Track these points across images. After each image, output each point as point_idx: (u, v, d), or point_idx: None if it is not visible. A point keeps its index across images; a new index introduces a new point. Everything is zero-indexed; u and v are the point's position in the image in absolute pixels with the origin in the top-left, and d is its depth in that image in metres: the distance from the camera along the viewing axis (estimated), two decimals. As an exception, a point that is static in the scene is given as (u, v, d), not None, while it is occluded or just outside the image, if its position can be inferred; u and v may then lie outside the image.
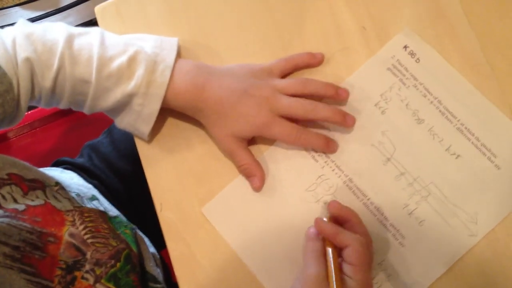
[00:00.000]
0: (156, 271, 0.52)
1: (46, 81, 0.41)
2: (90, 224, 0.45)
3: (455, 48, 0.47)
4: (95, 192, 0.56)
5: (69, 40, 0.41)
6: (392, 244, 0.43)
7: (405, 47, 0.47)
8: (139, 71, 0.41)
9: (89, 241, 0.43)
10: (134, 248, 0.48)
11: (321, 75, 0.47)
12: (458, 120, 0.45)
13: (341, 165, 0.45)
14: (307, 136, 0.44)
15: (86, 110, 0.44)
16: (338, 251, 0.39)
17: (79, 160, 0.62)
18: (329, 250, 0.39)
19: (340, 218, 0.42)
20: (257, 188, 0.44)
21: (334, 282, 0.37)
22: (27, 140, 0.78)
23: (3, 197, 0.39)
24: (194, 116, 0.45)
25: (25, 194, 0.41)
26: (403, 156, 0.45)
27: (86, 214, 0.45)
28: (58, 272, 0.39)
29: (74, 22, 1.08)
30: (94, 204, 0.51)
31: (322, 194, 0.45)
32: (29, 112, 0.77)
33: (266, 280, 0.43)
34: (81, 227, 0.44)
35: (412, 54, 0.47)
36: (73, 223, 0.43)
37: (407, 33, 0.47)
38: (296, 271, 0.41)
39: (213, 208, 0.45)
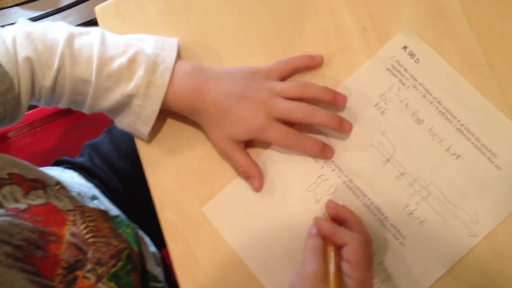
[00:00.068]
0: (157, 271, 0.52)
1: (46, 80, 0.41)
2: (91, 224, 0.45)
3: (455, 48, 0.47)
4: (95, 191, 0.56)
5: (70, 39, 0.41)
6: (393, 244, 0.43)
7: (405, 47, 0.47)
8: (139, 72, 0.41)
9: (90, 240, 0.43)
10: (135, 248, 0.48)
11: (321, 76, 0.47)
12: (458, 121, 0.45)
13: (341, 165, 0.45)
14: (303, 141, 0.44)
15: (85, 110, 0.44)
16: (338, 249, 0.39)
17: (80, 159, 0.62)
18: (329, 248, 0.40)
19: (338, 218, 0.42)
20: (257, 189, 0.44)
21: (333, 281, 0.37)
22: (27, 140, 0.78)
23: (4, 197, 0.39)
24: (192, 118, 0.45)
25: (26, 193, 0.41)
26: (403, 156, 0.45)
27: (87, 214, 0.46)
28: (60, 271, 0.39)
29: (74, 22, 1.08)
30: (95, 204, 0.51)
31: (322, 194, 0.45)
32: (29, 112, 0.77)
33: (266, 280, 0.43)
34: (82, 227, 0.44)
35: (411, 54, 0.47)
36: (74, 223, 0.43)
37: (407, 33, 0.47)
38: (296, 270, 0.41)
39: (214, 207, 0.45)
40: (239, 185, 0.45)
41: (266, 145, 0.46)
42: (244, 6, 0.49)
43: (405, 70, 0.47)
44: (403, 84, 0.46)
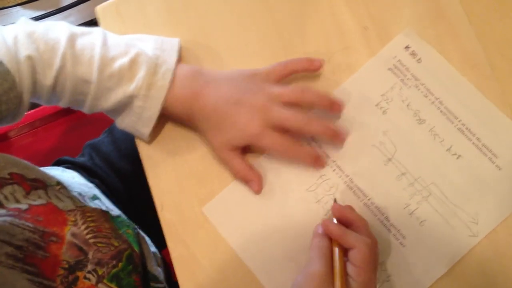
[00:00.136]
0: (158, 271, 0.52)
1: (47, 80, 0.41)
2: (92, 224, 0.45)
3: (455, 48, 0.47)
4: (96, 191, 0.56)
5: (71, 39, 0.41)
6: (393, 244, 0.43)
7: (407, 47, 0.47)
8: (140, 73, 0.41)
9: (91, 241, 0.43)
10: (136, 248, 0.48)
11: (322, 76, 0.47)
12: (459, 121, 0.45)
13: (342, 165, 0.45)
14: (297, 151, 0.44)
15: (86, 110, 0.44)
16: (344, 250, 0.39)
17: (80, 159, 0.62)
18: (336, 250, 0.39)
19: (345, 220, 0.41)
20: (257, 192, 0.44)
21: (339, 282, 0.37)
22: (28, 140, 0.79)
23: (5, 197, 0.39)
24: (189, 124, 0.45)
25: (27, 193, 0.42)
26: (404, 156, 0.45)
27: (88, 214, 0.46)
28: (61, 272, 0.39)
29: (74, 22, 1.08)
30: (96, 204, 0.51)
31: (323, 194, 0.45)
32: (30, 112, 0.77)
33: (266, 280, 0.43)
34: (83, 227, 0.44)
35: (413, 54, 0.47)
36: (75, 223, 0.43)
37: (408, 33, 0.47)
38: (296, 271, 0.41)
39: (214, 208, 0.45)
40: (239, 185, 0.45)
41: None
42: (244, 6, 0.49)
43: (407, 69, 0.47)
44: (405, 84, 0.46)
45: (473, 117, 0.45)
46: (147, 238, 0.56)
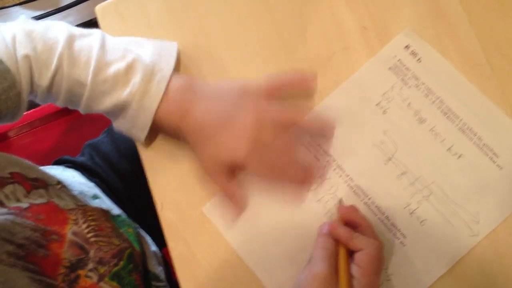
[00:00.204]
0: (158, 270, 0.52)
1: (43, 80, 0.41)
2: (93, 223, 0.45)
3: (455, 48, 0.47)
4: (96, 190, 0.56)
5: (70, 40, 0.41)
6: (393, 244, 0.43)
7: (407, 47, 0.47)
8: (135, 79, 0.41)
9: (92, 239, 0.43)
10: (137, 247, 0.48)
11: (323, 75, 0.47)
12: (460, 120, 0.45)
13: (343, 165, 0.45)
14: (283, 176, 0.43)
15: (81, 110, 0.44)
16: (349, 251, 0.39)
17: (80, 158, 0.62)
18: (341, 251, 0.39)
19: (351, 222, 0.41)
20: (232, 218, 0.43)
21: (344, 285, 0.37)
22: (28, 139, 0.78)
23: (6, 196, 0.39)
24: (177, 137, 0.44)
25: (28, 193, 0.41)
26: (404, 155, 0.45)
27: (89, 213, 0.46)
28: (62, 270, 0.39)
29: (74, 21, 1.08)
30: (96, 203, 0.51)
31: (323, 194, 0.45)
32: (30, 111, 0.77)
33: (266, 280, 0.43)
34: (84, 226, 0.44)
35: (413, 54, 0.47)
36: (76, 222, 0.43)
37: (409, 33, 0.47)
38: (297, 270, 0.41)
39: (214, 207, 0.45)
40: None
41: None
42: (244, 6, 0.49)
43: (407, 69, 0.47)
44: (405, 83, 0.46)
45: (474, 116, 0.45)
46: (147, 237, 0.56)
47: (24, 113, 0.44)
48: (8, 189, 0.40)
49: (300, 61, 0.48)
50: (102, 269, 0.42)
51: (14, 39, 0.40)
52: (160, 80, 0.41)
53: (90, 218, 0.45)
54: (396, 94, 0.46)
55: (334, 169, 0.45)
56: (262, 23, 0.49)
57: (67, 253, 0.40)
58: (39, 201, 0.42)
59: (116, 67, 0.41)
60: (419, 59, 0.47)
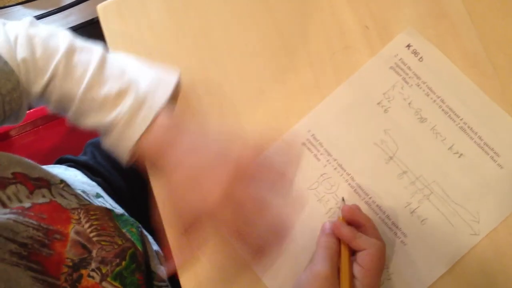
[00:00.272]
0: (160, 269, 0.52)
1: (37, 86, 0.40)
2: (95, 222, 0.45)
3: (457, 47, 0.47)
4: (99, 189, 0.56)
5: (70, 52, 0.41)
6: (394, 243, 0.43)
7: (408, 46, 0.47)
8: (124, 106, 0.40)
9: (94, 239, 0.44)
10: (140, 247, 0.49)
11: (324, 75, 0.47)
12: (461, 119, 0.45)
13: (343, 164, 0.45)
14: (242, 231, 0.41)
15: (69, 122, 0.43)
16: (351, 250, 0.39)
17: (83, 158, 0.63)
18: (344, 251, 0.39)
19: (354, 222, 0.41)
20: (167, 271, 0.41)
21: (346, 285, 0.37)
22: (30, 138, 0.79)
23: (8, 197, 0.39)
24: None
25: (31, 193, 0.42)
26: (405, 154, 0.45)
27: (91, 212, 0.46)
28: (65, 269, 0.39)
29: (75, 21, 1.07)
30: (99, 202, 0.51)
31: (324, 193, 0.45)
32: (32, 110, 0.77)
33: (268, 279, 0.43)
34: (86, 225, 0.44)
35: (415, 53, 0.47)
36: (78, 221, 0.43)
37: (410, 32, 0.47)
38: (299, 269, 0.41)
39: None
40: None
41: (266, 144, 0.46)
42: (244, 6, 0.49)
43: (409, 68, 0.47)
44: (407, 83, 0.46)
45: (475, 116, 0.45)
46: (149, 237, 0.56)
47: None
48: (11, 190, 0.40)
49: (301, 60, 0.48)
50: (104, 269, 0.42)
51: (16, 40, 0.40)
52: (147, 114, 0.41)
53: (93, 217, 0.45)
54: (397, 93, 0.46)
55: (335, 168, 0.45)
56: (262, 23, 0.49)
57: (70, 253, 0.40)
58: (41, 200, 0.42)
59: (108, 89, 0.40)
60: (420, 58, 0.47)
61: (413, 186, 0.44)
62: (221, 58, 0.48)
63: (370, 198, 0.44)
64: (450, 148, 0.45)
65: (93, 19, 1.06)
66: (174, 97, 0.45)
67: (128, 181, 0.62)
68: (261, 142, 0.43)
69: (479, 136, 0.45)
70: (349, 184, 0.45)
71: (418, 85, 0.46)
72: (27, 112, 0.44)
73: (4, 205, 0.38)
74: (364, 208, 0.44)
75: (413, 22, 0.48)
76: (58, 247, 0.40)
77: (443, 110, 0.45)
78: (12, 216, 0.37)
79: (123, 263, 0.45)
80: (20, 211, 0.39)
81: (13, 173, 0.41)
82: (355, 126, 0.46)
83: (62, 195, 0.45)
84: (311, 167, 0.45)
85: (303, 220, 0.44)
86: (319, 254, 0.39)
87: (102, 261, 0.43)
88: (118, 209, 0.54)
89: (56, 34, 0.42)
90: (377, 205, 0.44)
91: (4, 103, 0.39)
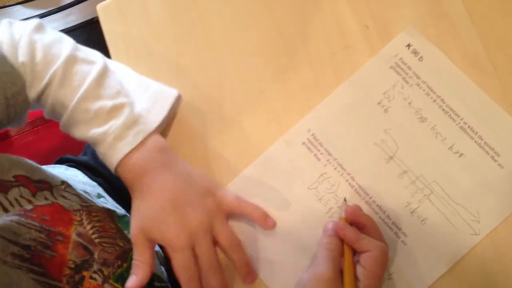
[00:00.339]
0: (160, 270, 0.52)
1: (33, 91, 0.40)
2: (97, 224, 0.45)
3: (457, 47, 0.47)
4: (100, 190, 0.56)
5: (70, 61, 0.41)
6: (394, 243, 0.43)
7: (408, 45, 0.47)
8: (117, 122, 0.40)
9: (96, 240, 0.44)
10: None
11: (324, 75, 0.47)
12: (461, 119, 0.45)
13: (344, 163, 0.45)
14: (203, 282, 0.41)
15: (61, 129, 0.43)
16: (354, 251, 0.39)
17: (83, 157, 0.63)
18: (348, 252, 0.39)
19: (357, 223, 0.41)
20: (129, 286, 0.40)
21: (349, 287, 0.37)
22: (29, 138, 0.78)
23: (10, 203, 0.39)
24: (129, 190, 0.43)
25: (33, 195, 0.41)
26: (405, 154, 0.45)
27: (93, 214, 0.46)
28: (67, 271, 0.39)
29: (75, 20, 1.07)
30: (101, 202, 0.51)
31: (324, 193, 0.45)
32: (31, 110, 0.76)
33: (268, 279, 0.43)
34: (88, 227, 0.44)
35: (415, 52, 0.47)
36: (80, 223, 0.43)
37: (410, 31, 0.47)
38: (299, 269, 0.41)
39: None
40: (240, 184, 0.45)
41: (266, 144, 0.46)
42: (244, 6, 0.49)
43: (409, 68, 0.47)
44: (407, 82, 0.46)
45: (475, 115, 0.45)
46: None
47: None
48: (13, 193, 0.40)
49: (301, 60, 0.48)
50: (106, 271, 0.42)
51: (18, 42, 0.40)
52: (139, 133, 0.41)
53: (95, 219, 0.45)
54: (397, 93, 0.46)
55: (335, 168, 0.45)
56: (262, 23, 0.49)
57: (72, 254, 0.40)
58: (43, 202, 0.42)
59: (102, 103, 0.40)
60: (420, 57, 0.47)
61: (414, 185, 0.44)
62: (221, 58, 0.48)
63: (370, 197, 0.44)
64: (450, 147, 0.45)
65: (93, 18, 1.06)
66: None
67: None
68: (240, 202, 0.43)
69: (479, 135, 0.45)
70: (349, 183, 0.45)
71: (418, 85, 0.46)
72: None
73: (6, 211, 0.38)
74: (365, 208, 0.44)
75: (413, 22, 0.48)
76: (60, 249, 0.40)
77: (443, 109, 0.46)
78: (15, 218, 0.37)
79: (125, 265, 0.45)
80: (22, 212, 0.39)
81: (14, 176, 0.41)
82: (355, 125, 0.46)
83: (64, 196, 0.45)
84: (311, 166, 0.45)
85: (303, 219, 0.44)
86: (321, 256, 0.39)
87: (104, 263, 0.43)
88: (120, 210, 0.54)
89: (60, 41, 0.42)
90: (378, 205, 0.44)
91: (9, 107, 0.39)
